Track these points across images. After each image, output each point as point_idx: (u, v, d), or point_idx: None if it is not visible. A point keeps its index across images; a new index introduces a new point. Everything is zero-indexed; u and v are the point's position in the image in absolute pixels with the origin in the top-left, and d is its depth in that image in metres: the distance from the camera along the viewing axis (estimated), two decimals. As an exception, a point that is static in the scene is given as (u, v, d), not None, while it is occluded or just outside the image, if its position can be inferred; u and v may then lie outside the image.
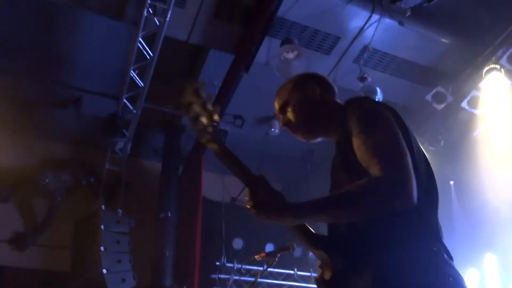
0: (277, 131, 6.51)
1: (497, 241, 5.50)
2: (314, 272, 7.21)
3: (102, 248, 4.96)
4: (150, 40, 4.83)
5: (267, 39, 4.93)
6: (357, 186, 1.29)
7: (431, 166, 1.56)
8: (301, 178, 7.46)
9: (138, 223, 5.53)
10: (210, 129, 1.50)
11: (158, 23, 4.61)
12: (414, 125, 6.10)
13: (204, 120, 1.47)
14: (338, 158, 1.60)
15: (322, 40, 5.11)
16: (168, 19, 4.53)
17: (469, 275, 5.92)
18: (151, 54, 4.90)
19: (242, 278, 6.96)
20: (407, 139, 1.43)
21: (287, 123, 1.73)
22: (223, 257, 6.76)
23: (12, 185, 6.28)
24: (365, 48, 5.11)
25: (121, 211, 5.60)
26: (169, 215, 6.08)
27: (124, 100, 5.41)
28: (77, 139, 6.31)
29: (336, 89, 1.81)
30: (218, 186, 7.55)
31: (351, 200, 1.28)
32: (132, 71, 5.06)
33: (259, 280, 7.02)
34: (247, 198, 1.40)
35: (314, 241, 1.52)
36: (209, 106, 1.48)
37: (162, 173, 6.58)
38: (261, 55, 5.09)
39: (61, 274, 5.94)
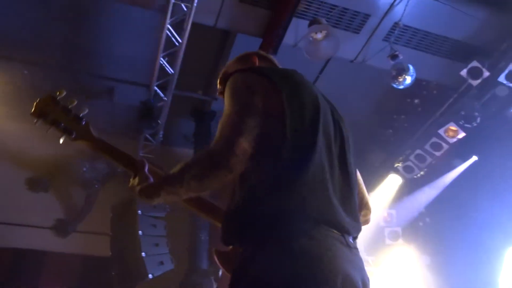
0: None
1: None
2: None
3: (140, 232, 5.11)
4: (178, 27, 4.85)
5: (294, 21, 4.87)
6: (184, 162, 1.39)
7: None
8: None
9: (173, 207, 5.64)
10: (74, 129, 1.64)
11: (185, 9, 4.62)
12: (448, 102, 6.02)
13: (65, 123, 1.62)
14: None
15: (351, 19, 5.02)
16: (195, 4, 4.53)
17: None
18: (180, 41, 4.93)
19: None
20: (294, 96, 1.44)
21: (220, 94, 1.75)
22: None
23: (51, 176, 6.51)
24: (396, 25, 4.99)
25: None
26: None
27: (155, 87, 5.48)
28: (111, 129, 6.44)
29: (258, 53, 1.86)
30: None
31: (180, 175, 1.38)
32: (161, 59, 5.12)
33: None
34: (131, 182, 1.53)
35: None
36: (71, 110, 1.63)
37: (194, 159, 6.67)
38: (289, 36, 5.04)
39: (101, 258, 6.17)
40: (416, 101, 6.47)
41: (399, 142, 6.90)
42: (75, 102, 1.64)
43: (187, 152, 6.91)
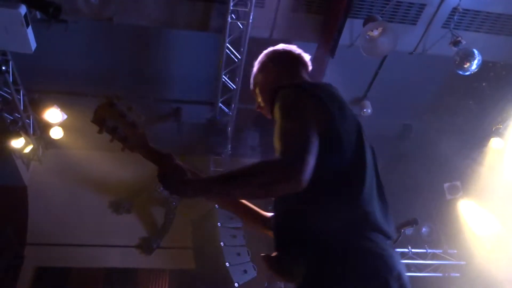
0: (369, 111, 6.43)
1: None
2: (430, 248, 7.03)
3: (221, 243, 5.33)
4: (236, 44, 5.05)
5: (348, 21, 4.91)
6: (255, 166, 1.36)
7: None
8: (399, 157, 7.27)
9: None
10: (130, 135, 1.55)
11: (241, 26, 4.81)
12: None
13: (124, 130, 1.54)
14: None
15: (406, 11, 4.97)
16: (251, 21, 4.71)
17: None
18: (239, 57, 5.13)
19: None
20: (341, 119, 1.50)
21: (258, 108, 1.83)
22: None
23: (131, 197, 6.96)
24: (455, 9, 4.87)
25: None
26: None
27: (220, 104, 5.72)
28: (182, 147, 6.78)
29: (304, 58, 1.83)
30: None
31: (246, 180, 1.36)
32: (223, 76, 5.34)
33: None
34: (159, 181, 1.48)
35: (268, 224, 1.65)
36: (129, 117, 1.55)
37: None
38: (344, 37, 5.08)
39: (186, 271, 6.48)
40: (484, 84, 6.22)
41: (472, 129, 6.64)
42: (133, 108, 1.57)
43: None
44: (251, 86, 1.87)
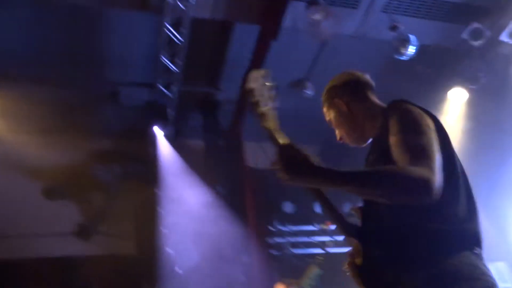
0: (310, 92, 6.48)
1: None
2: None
3: (163, 229, 5.23)
4: (177, 25, 4.84)
5: (291, 4, 4.84)
6: (388, 170, 1.39)
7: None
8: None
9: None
10: (269, 113, 1.59)
11: (182, 6, 4.60)
12: (451, 65, 6.01)
13: (264, 105, 1.58)
14: (371, 155, 1.73)
15: (347, -5, 4.98)
16: (192, 1, 4.51)
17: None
18: (180, 38, 4.92)
19: (297, 239, 7.19)
20: (445, 143, 1.54)
21: (340, 139, 1.91)
22: (275, 221, 6.98)
23: (67, 183, 6.62)
24: (394, -5, 4.95)
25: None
26: (220, 190, 6.29)
27: (160, 86, 5.50)
28: (121, 131, 6.51)
29: (365, 79, 1.90)
30: (259, 153, 7.67)
31: (378, 182, 1.36)
32: (163, 57, 5.12)
33: (314, 239, 7.22)
34: (276, 160, 1.44)
35: (348, 228, 1.61)
36: (270, 92, 1.60)
37: (205, 150, 6.75)
38: (287, 20, 5.02)
39: (127, 257, 6.32)
40: (419, 67, 6.46)
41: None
42: (273, 86, 1.60)
43: (198, 144, 6.98)
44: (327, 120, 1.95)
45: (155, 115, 5.72)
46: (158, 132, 6.26)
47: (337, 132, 1.91)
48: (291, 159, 1.40)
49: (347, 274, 1.60)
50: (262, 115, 1.58)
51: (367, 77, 1.92)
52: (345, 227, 1.60)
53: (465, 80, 5.94)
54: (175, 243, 5.25)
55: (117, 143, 6.70)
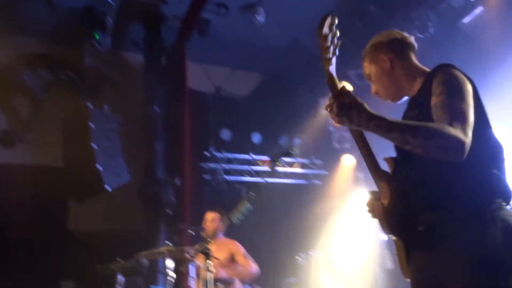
0: (262, 19, 6.24)
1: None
2: (299, 158, 7.57)
3: (94, 145, 5.03)
4: None
5: None
6: (435, 128, 1.56)
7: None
8: (285, 70, 7.38)
9: (126, 119, 5.53)
10: (331, 57, 1.68)
11: None
12: (405, 11, 5.99)
13: (332, 51, 1.67)
14: (411, 112, 1.85)
15: None
16: None
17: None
18: None
19: (231, 166, 7.28)
20: (480, 107, 1.72)
21: (376, 93, 2.02)
22: (211, 147, 6.98)
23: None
24: None
25: (107, 108, 5.55)
26: (156, 109, 6.08)
27: (99, -10, 5.01)
28: (53, 34, 5.95)
29: (410, 40, 2.02)
30: (202, 76, 7.46)
31: (423, 135, 1.54)
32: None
33: (248, 168, 7.36)
34: (329, 101, 1.62)
35: (379, 172, 1.80)
36: (337, 40, 1.68)
37: (145, 66, 6.40)
38: None
39: (53, 168, 6.09)
40: (372, 8, 6.38)
41: (354, 49, 6.90)
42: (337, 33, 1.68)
43: (137, 58, 6.60)
44: (365, 76, 2.07)
45: (92, 22, 5.24)
46: (95, 40, 5.80)
47: (373, 86, 2.02)
48: (349, 104, 1.55)
49: (370, 214, 1.87)
50: (328, 61, 1.68)
51: (412, 38, 2.03)
52: (377, 172, 1.78)
53: (414, 27, 5.97)
54: (105, 160, 5.08)
55: (48, 46, 6.16)
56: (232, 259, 4.45)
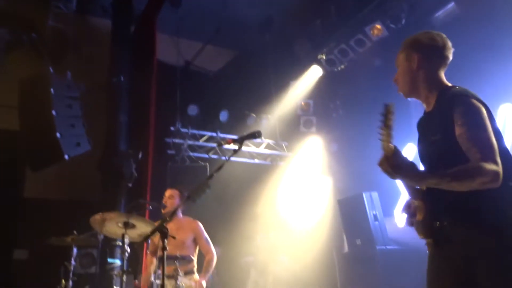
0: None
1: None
2: (265, 139, 7.57)
3: (54, 112, 4.82)
4: None
5: None
6: (467, 170, 1.82)
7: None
8: (257, 49, 7.29)
9: (89, 88, 5.32)
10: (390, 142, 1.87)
11: None
12: (378, 1, 6.00)
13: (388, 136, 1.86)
14: (428, 123, 2.09)
15: None
16: None
17: (406, 148, 6.47)
18: None
19: (196, 143, 7.19)
20: (494, 126, 1.93)
21: (396, 80, 2.22)
22: (177, 122, 6.85)
23: None
24: None
25: (70, 75, 5.31)
26: (122, 79, 5.88)
27: None
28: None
29: (448, 54, 2.12)
30: (172, 49, 7.26)
31: (468, 179, 1.81)
32: None
33: (211, 145, 7.29)
34: (383, 160, 1.84)
35: (417, 193, 2.06)
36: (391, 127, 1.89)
37: (112, 33, 6.16)
38: None
39: (9, 132, 5.83)
40: (348, -7, 6.37)
41: (326, 34, 6.91)
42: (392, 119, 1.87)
43: (105, 24, 6.34)
44: (396, 62, 2.23)
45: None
46: (61, 2, 5.51)
47: (396, 74, 2.21)
48: (398, 167, 1.81)
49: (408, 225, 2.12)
50: (389, 139, 1.86)
51: (451, 51, 2.13)
52: (413, 192, 2.07)
53: (387, 17, 6.00)
54: (64, 128, 4.88)
55: (10, 5, 5.80)
56: (194, 240, 4.42)
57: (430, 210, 2.00)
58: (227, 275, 6.59)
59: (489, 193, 1.82)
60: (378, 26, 6.18)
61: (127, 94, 5.93)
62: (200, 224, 4.48)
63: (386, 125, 1.85)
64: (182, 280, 3.77)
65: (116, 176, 5.43)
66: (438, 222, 1.97)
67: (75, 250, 4.09)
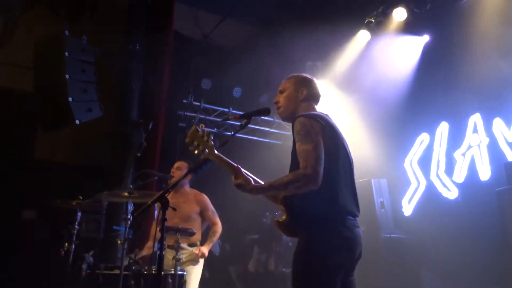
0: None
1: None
2: (277, 119, 7.46)
3: (67, 76, 4.77)
4: None
5: None
6: (289, 178, 2.20)
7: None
8: (277, 26, 7.11)
9: (104, 53, 5.26)
10: (206, 150, 2.49)
11: None
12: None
13: (201, 146, 2.49)
14: (293, 148, 2.35)
15: None
16: None
17: (420, 138, 6.35)
18: None
19: (208, 117, 7.14)
20: (332, 138, 2.33)
21: (276, 102, 2.60)
22: (190, 95, 6.79)
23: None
24: None
25: (86, 38, 5.24)
26: (138, 47, 5.81)
27: None
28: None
29: (319, 95, 2.61)
30: (190, 20, 7.15)
31: (285, 186, 2.21)
32: None
33: (225, 122, 7.22)
34: (233, 179, 2.37)
35: (278, 200, 2.40)
36: (206, 136, 2.50)
37: (130, 3, 6.06)
38: None
39: (23, 92, 5.82)
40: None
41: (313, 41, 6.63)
42: (204, 127, 2.52)
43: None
44: (280, 87, 2.62)
45: None
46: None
47: (279, 99, 2.59)
48: (240, 186, 2.34)
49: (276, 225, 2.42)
50: (211, 150, 2.50)
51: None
52: (277, 199, 2.44)
53: (411, 1, 5.82)
54: (77, 92, 4.84)
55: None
56: (200, 213, 4.44)
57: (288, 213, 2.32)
58: (231, 250, 6.62)
59: (310, 195, 2.16)
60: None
61: (142, 63, 5.87)
62: (206, 197, 4.49)
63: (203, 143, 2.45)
64: (184, 248, 3.80)
65: (126, 144, 5.42)
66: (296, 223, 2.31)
67: (79, 214, 4.11)
